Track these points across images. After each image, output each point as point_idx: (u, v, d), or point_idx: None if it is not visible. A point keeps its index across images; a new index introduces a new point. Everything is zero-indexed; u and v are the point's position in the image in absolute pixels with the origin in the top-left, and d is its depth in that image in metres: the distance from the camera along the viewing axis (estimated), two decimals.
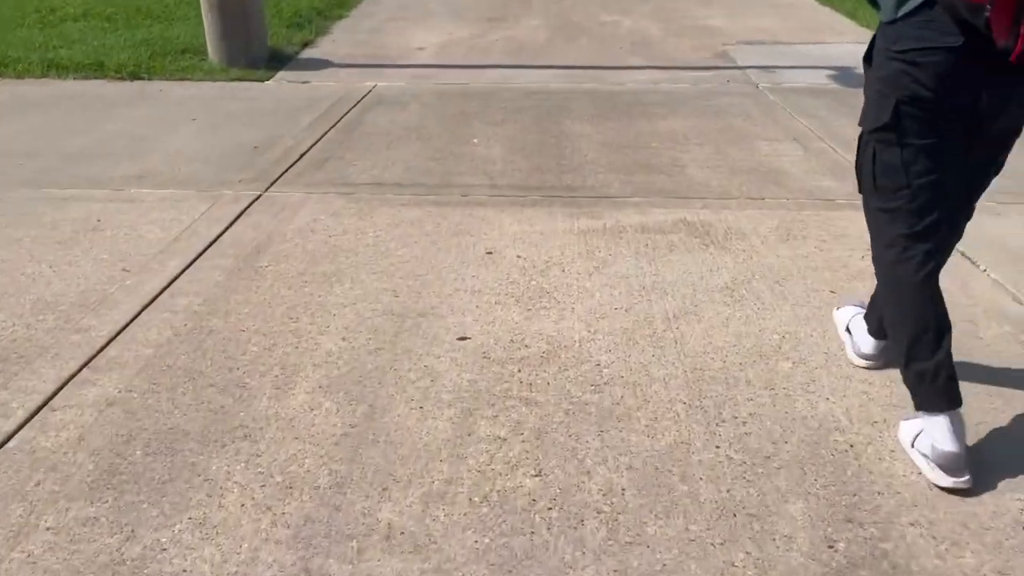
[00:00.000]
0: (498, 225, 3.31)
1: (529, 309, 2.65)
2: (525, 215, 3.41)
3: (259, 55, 6.02)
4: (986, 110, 1.79)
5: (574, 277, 2.87)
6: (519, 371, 2.31)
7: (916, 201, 1.86)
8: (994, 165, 1.93)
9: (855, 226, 3.17)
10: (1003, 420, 2.09)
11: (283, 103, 5.11)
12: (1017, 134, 1.89)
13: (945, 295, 2.71)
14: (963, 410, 1.89)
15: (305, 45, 6.71)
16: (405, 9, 8.25)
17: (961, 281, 2.82)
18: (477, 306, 2.67)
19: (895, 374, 2.26)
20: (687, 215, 3.39)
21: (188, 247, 3.08)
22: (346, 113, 4.86)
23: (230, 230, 3.25)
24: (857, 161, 1.98)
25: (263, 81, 5.68)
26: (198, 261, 2.98)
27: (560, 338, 2.48)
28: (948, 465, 1.81)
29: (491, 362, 2.35)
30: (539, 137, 4.42)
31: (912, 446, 1.91)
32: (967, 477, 1.81)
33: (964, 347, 2.41)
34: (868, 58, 1.92)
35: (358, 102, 5.08)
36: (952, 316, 2.56)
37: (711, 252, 3.05)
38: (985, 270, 2.90)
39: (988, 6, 1.60)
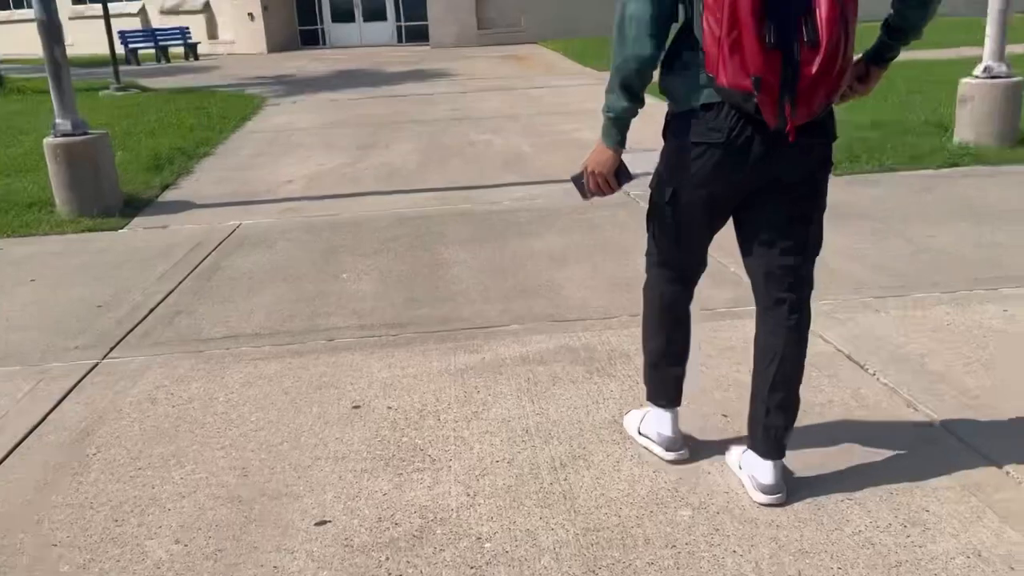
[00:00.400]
0: (367, 372, 3.02)
1: (400, 474, 2.34)
2: (397, 357, 3.14)
3: (112, 203, 5.66)
4: (785, 187, 1.95)
5: (451, 427, 2.59)
6: (387, 559, 1.98)
7: (682, 258, 2.21)
8: (809, 224, 2.03)
9: (738, 335, 3.05)
10: (923, 554, 1.89)
11: (136, 253, 4.74)
12: (817, 194, 2.02)
13: (838, 406, 2.63)
14: (885, 542, 1.74)
15: (165, 187, 6.39)
16: (272, 144, 8.08)
17: (852, 390, 2.70)
18: (340, 477, 2.34)
19: (801, 510, 2.07)
20: (568, 340, 3.19)
21: None
22: (204, 258, 4.53)
23: (55, 412, 2.83)
24: (647, 210, 2.20)
25: (116, 230, 5.30)
26: (8, 459, 2.53)
27: (435, 508, 2.17)
28: (669, 446, 2.33)
29: (354, 551, 2.01)
30: (412, 267, 4.21)
31: (639, 433, 2.41)
32: (684, 451, 2.33)
33: (871, 465, 2.25)
34: (665, 131, 2.06)
35: (219, 244, 4.77)
36: (850, 430, 2.46)
37: (596, 381, 2.84)
38: (875, 374, 2.79)
39: (755, 92, 1.74)
